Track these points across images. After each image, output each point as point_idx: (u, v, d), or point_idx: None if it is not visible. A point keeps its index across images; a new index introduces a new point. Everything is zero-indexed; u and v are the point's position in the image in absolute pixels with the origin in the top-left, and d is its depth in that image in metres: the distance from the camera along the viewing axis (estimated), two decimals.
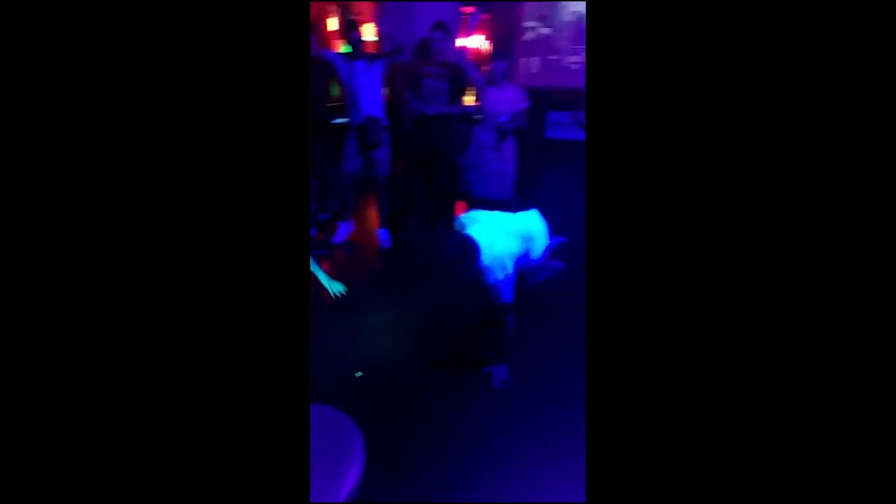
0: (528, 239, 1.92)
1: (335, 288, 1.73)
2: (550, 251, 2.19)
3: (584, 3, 2.58)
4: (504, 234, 1.80)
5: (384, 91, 3.05)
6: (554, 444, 1.44)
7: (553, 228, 2.10)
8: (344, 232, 3.34)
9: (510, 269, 1.73)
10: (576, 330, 1.90)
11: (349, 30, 3.20)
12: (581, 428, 1.40)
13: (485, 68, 3.45)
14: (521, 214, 2.01)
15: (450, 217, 3.04)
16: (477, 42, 4.45)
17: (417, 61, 3.18)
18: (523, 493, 1.29)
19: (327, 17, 4.73)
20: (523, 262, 1.88)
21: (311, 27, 2.91)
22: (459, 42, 3.54)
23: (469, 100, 3.55)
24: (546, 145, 3.97)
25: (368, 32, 3.95)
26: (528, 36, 4.06)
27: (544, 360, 1.85)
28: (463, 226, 1.87)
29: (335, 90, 3.33)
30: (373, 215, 3.55)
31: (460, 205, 4.06)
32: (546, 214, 2.09)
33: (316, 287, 1.75)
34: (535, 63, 4.11)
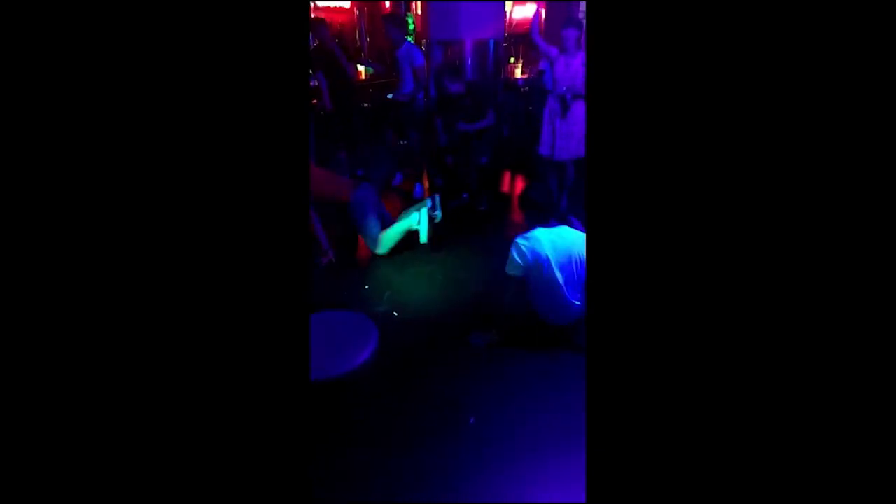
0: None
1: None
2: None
3: None
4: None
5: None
6: (554, 443, 1.41)
7: None
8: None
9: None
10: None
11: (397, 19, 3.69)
12: (581, 427, 1.38)
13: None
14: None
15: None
16: (531, 11, 4.33)
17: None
18: (523, 493, 1.27)
19: None
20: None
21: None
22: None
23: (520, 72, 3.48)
24: None
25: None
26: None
27: (544, 357, 1.81)
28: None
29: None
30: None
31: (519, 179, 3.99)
32: None
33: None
34: None
